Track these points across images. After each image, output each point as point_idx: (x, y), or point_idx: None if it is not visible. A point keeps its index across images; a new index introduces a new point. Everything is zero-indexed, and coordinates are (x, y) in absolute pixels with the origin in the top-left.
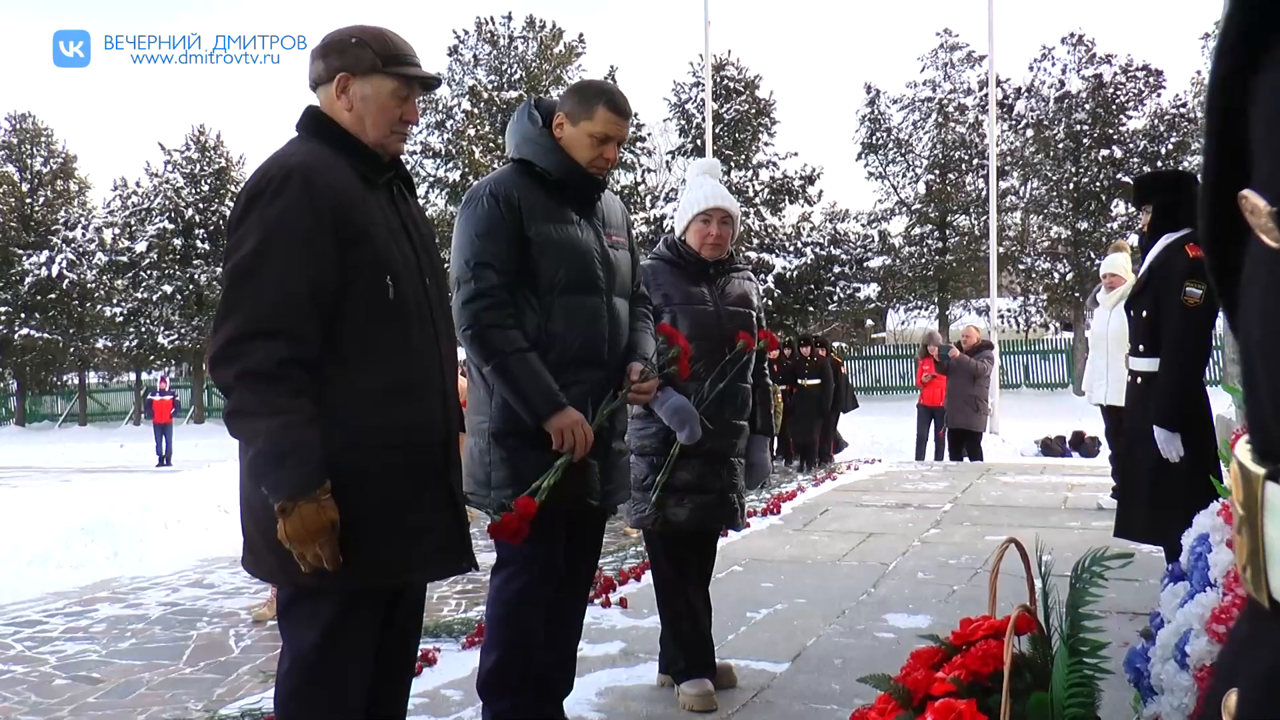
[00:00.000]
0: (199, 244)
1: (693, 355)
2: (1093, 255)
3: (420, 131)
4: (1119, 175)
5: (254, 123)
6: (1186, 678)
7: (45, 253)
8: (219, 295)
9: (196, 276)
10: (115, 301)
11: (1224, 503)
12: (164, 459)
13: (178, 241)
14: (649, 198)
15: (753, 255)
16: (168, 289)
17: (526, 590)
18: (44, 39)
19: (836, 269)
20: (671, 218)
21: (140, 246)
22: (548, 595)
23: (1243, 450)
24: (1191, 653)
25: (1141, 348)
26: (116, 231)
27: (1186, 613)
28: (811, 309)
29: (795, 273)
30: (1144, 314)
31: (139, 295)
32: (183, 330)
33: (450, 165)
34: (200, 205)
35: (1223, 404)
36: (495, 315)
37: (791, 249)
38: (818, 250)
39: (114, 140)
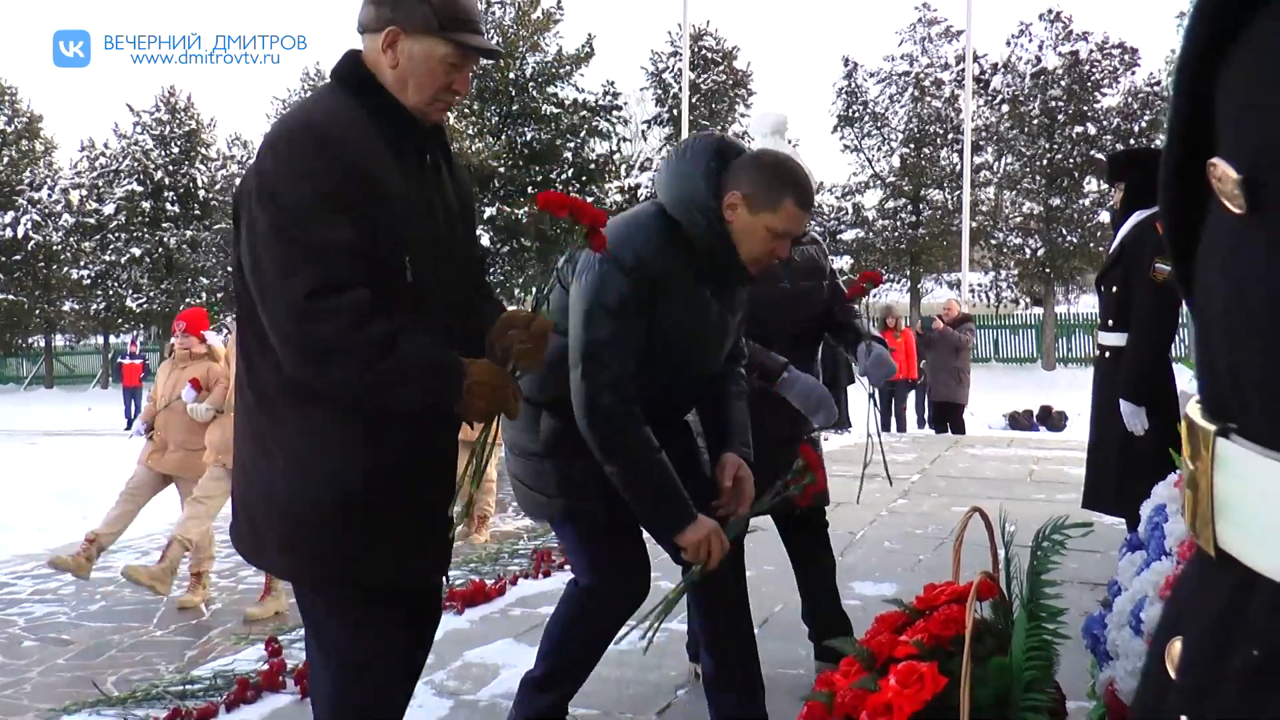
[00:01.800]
0: (169, 206)
1: (771, 337)
2: (1064, 231)
3: None
4: (1092, 152)
5: (253, 122)
6: (1140, 643)
7: (10, 213)
8: (253, 257)
9: (166, 240)
10: (82, 264)
11: (1180, 474)
12: (133, 423)
13: (146, 204)
14: (624, 167)
15: None
16: (136, 252)
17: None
18: (44, 39)
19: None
20: (647, 187)
21: (108, 209)
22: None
23: (1194, 408)
24: (1146, 619)
25: (1110, 323)
26: (84, 193)
27: (1143, 580)
28: None
29: None
30: (1114, 289)
31: (107, 258)
32: (151, 294)
33: None
34: (170, 168)
35: (1186, 380)
36: (627, 411)
37: None
38: None
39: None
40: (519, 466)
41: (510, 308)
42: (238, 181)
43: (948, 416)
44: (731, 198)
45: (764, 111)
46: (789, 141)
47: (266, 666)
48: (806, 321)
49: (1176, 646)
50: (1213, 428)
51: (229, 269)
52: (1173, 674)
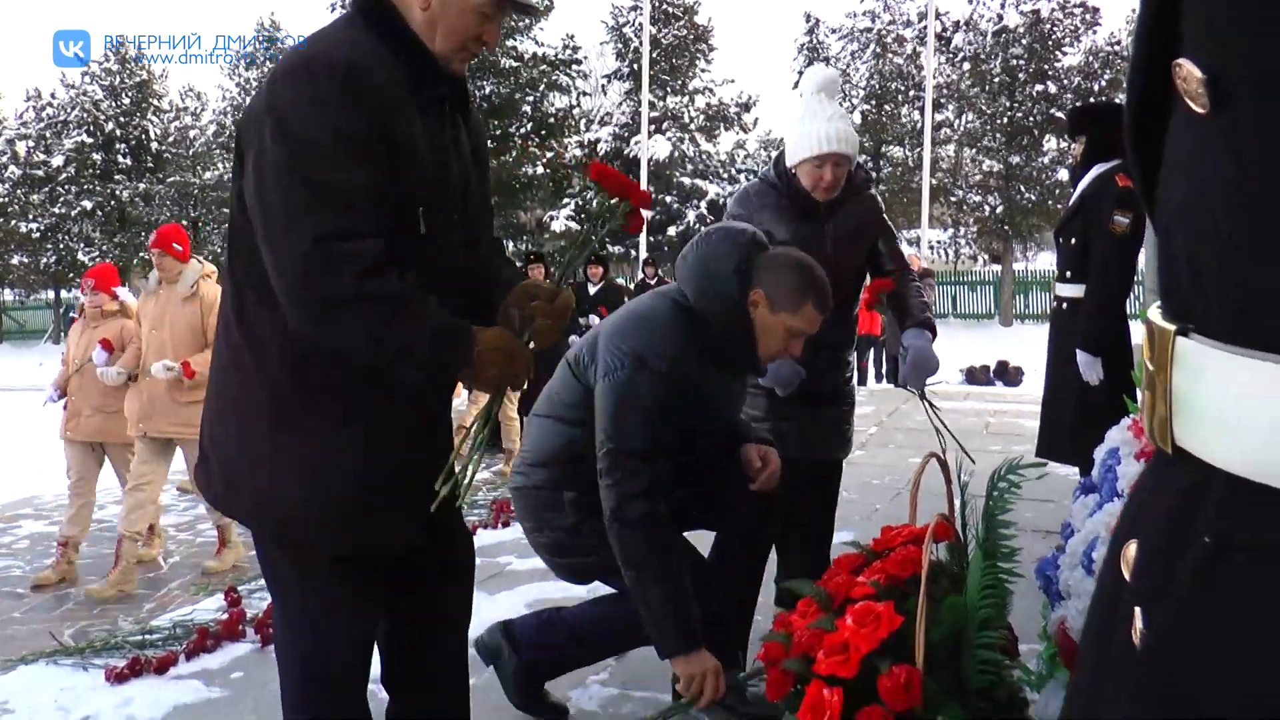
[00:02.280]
0: (120, 159)
1: None
2: (1023, 189)
3: None
4: (1052, 110)
5: (206, 74)
6: (1092, 583)
7: None
8: (255, 197)
9: (118, 192)
10: (31, 217)
11: (1134, 418)
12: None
13: (97, 156)
14: (583, 121)
15: (686, 181)
16: (87, 205)
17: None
18: (44, 39)
19: None
20: (606, 142)
21: (57, 160)
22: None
23: (1154, 311)
24: (1098, 559)
25: (1069, 274)
26: (30, 145)
27: (1095, 522)
28: None
29: (729, 199)
30: (1072, 241)
31: (57, 211)
32: (104, 248)
33: None
34: (121, 119)
35: (1140, 334)
36: (654, 519)
37: (726, 176)
38: (752, 177)
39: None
40: (550, 541)
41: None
42: (194, 134)
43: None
44: (755, 295)
45: (816, 67)
46: (838, 101)
47: (226, 616)
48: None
49: (1131, 549)
50: (1172, 328)
51: (183, 222)
52: (1127, 577)
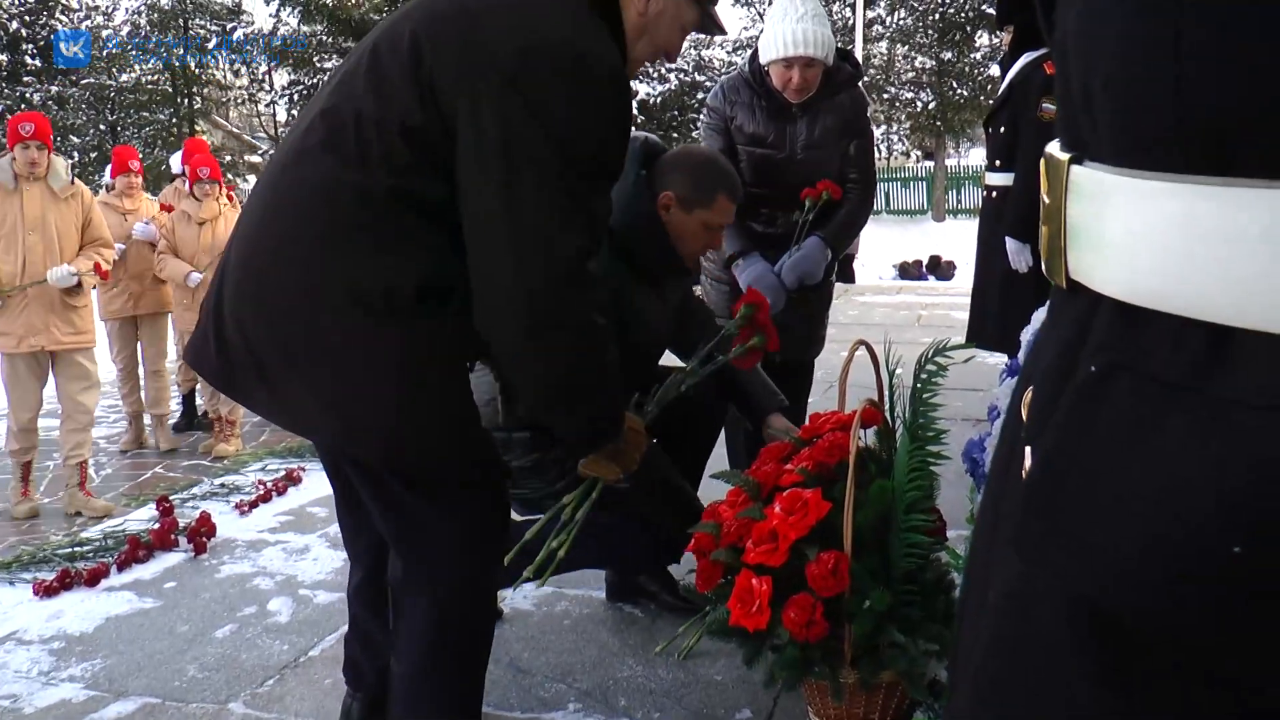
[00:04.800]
0: (29, 60)
1: (772, 200)
2: (955, 85)
3: None
4: (984, 6)
5: None
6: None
7: None
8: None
9: (29, 95)
10: None
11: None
12: None
13: (3, 57)
14: None
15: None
16: None
17: None
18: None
19: (700, 95)
20: None
21: None
22: None
23: (1053, 145)
24: None
25: (998, 163)
26: None
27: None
28: (675, 135)
29: (659, 99)
30: (1001, 130)
31: None
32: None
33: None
34: (27, 19)
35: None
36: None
37: (655, 75)
38: (681, 76)
39: None
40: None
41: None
42: (106, 34)
43: (838, 266)
44: (664, 198)
45: None
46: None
47: (158, 526)
48: (808, 184)
49: (1028, 394)
50: (1066, 157)
51: (100, 127)
52: (1024, 419)
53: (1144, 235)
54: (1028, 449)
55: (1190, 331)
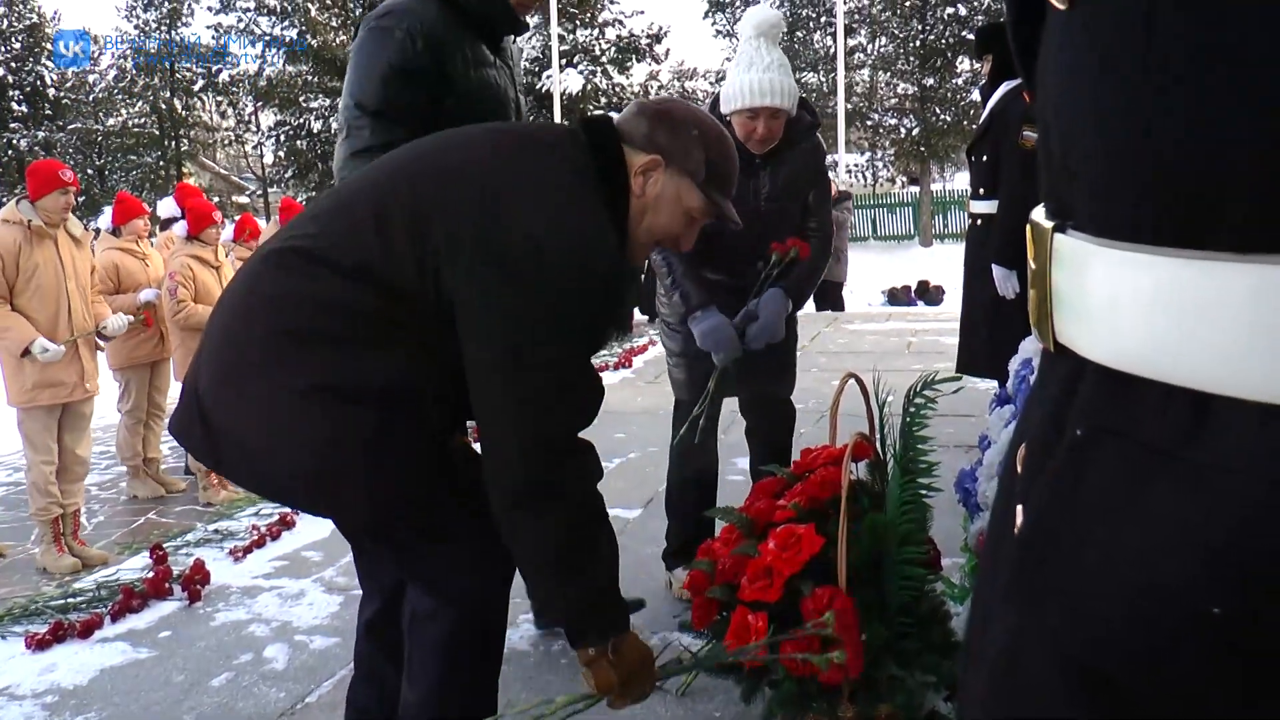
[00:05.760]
0: (15, 106)
1: (736, 260)
2: (938, 111)
3: None
4: (964, 33)
5: (100, 14)
6: None
7: None
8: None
9: (15, 141)
10: None
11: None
12: None
13: None
14: None
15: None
16: None
17: None
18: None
19: None
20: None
21: None
22: None
23: (1038, 212)
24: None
25: (981, 191)
26: None
27: (1010, 432)
28: None
29: None
30: (984, 158)
31: None
32: (3, 199)
33: (286, 24)
34: (13, 65)
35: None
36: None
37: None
38: None
39: None
40: None
41: None
42: (93, 79)
43: (827, 294)
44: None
45: (757, 9)
46: (779, 45)
47: (152, 574)
48: (772, 237)
49: (1022, 450)
50: (1050, 224)
51: (88, 171)
52: (1019, 473)
53: (1126, 304)
54: (1019, 507)
55: (1174, 398)
